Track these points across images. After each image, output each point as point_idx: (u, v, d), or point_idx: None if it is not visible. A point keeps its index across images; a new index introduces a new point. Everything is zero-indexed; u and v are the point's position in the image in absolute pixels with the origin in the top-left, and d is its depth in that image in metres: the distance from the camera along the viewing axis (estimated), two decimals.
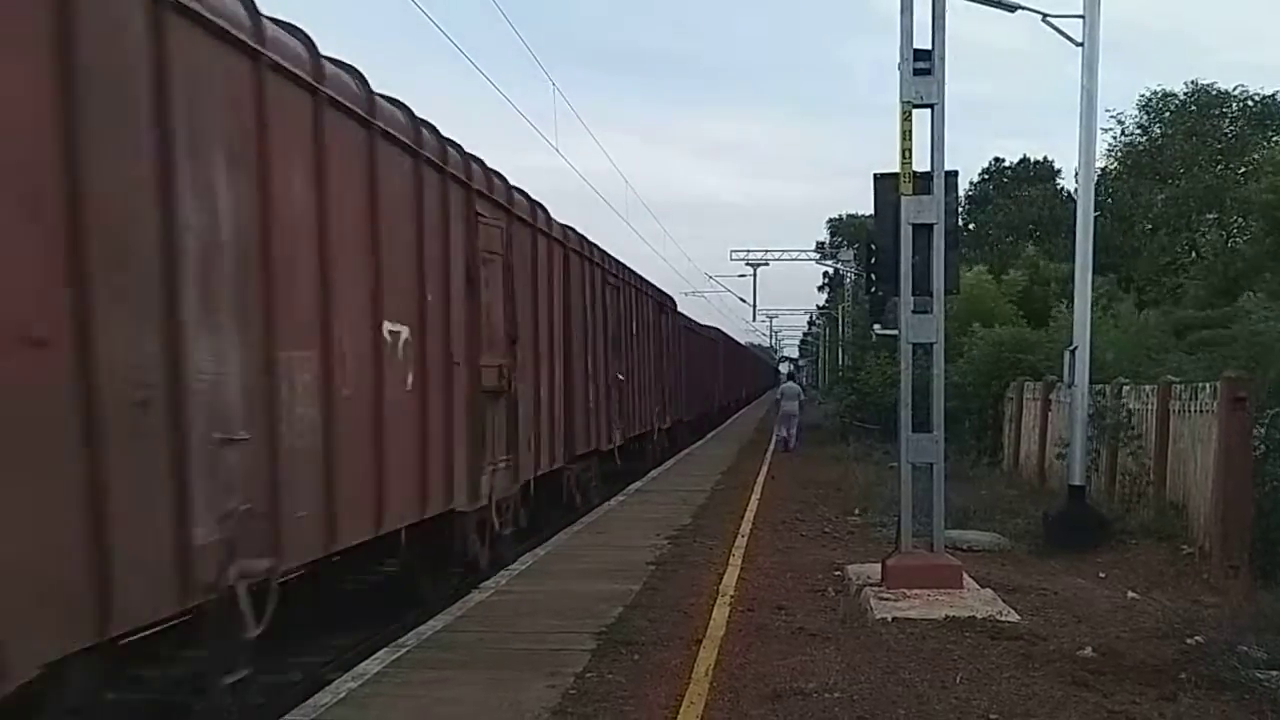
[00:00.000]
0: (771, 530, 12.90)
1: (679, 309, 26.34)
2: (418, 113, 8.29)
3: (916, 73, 8.54)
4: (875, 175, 9.21)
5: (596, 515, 14.48)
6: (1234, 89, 33.02)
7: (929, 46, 8.58)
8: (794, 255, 51.32)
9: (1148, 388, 12.29)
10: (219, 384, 5.39)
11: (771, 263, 49.48)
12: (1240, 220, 30.73)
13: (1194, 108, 33.13)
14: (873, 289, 10.22)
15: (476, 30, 18.83)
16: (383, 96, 7.67)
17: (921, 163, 8.62)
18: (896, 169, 8.65)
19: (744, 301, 57.08)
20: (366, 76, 7.35)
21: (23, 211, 4.17)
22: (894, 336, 9.19)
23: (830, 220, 68.46)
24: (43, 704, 4.48)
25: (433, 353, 8.26)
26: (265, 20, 5.87)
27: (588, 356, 14.71)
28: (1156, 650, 7.01)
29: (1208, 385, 10.40)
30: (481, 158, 9.97)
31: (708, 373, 34.11)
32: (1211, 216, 32.20)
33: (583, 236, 14.44)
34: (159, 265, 4.94)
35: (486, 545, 10.03)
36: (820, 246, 64.26)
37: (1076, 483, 11.45)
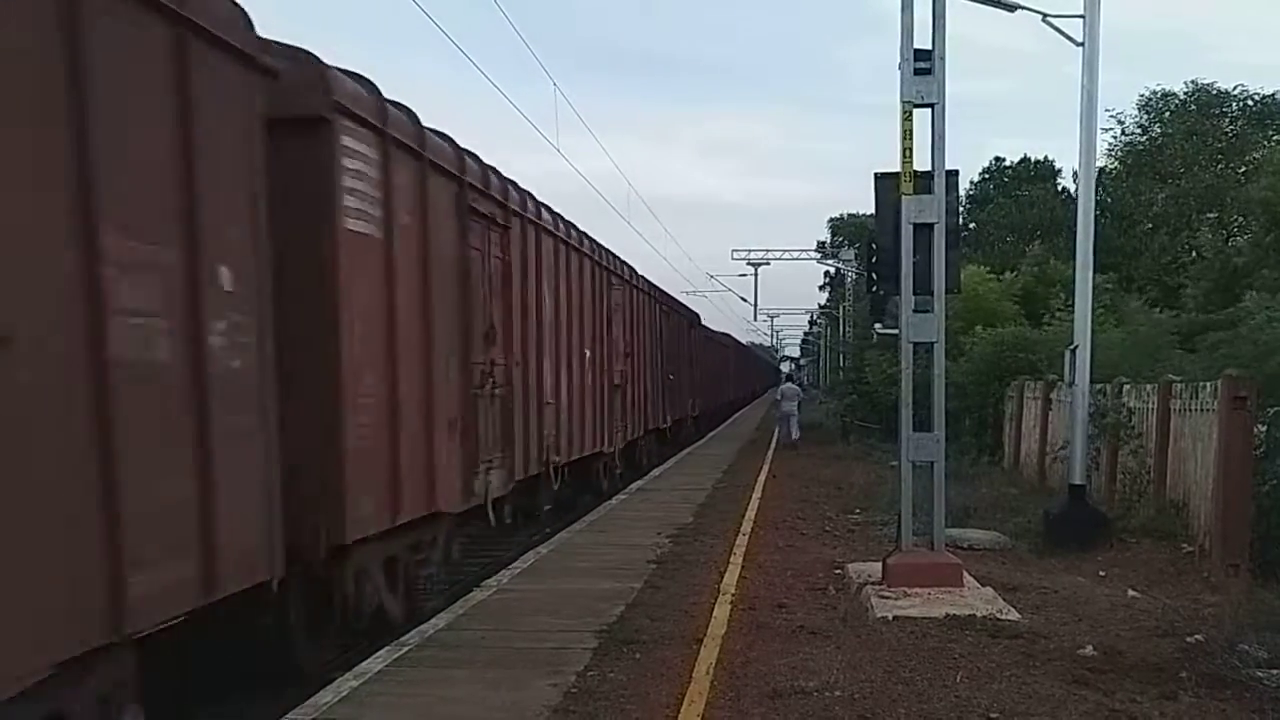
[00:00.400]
0: (772, 529, 12.91)
1: (702, 321, 32.82)
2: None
3: (917, 72, 8.55)
4: (876, 174, 9.23)
5: (598, 514, 14.50)
6: (1234, 88, 33.09)
7: (929, 46, 8.59)
8: (795, 255, 51.17)
9: (1148, 387, 12.31)
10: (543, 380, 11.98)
11: (773, 262, 49.34)
12: (1240, 219, 30.73)
13: (1194, 107, 33.15)
14: (874, 288, 10.24)
15: (477, 30, 18.85)
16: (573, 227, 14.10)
17: (922, 162, 8.64)
18: (897, 168, 8.66)
19: (745, 301, 57.20)
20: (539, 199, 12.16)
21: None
22: (895, 336, 9.20)
23: (831, 219, 68.40)
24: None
25: (600, 363, 15.68)
26: (427, 133, 8.38)
27: (653, 364, 21.22)
28: (1157, 649, 7.02)
29: (1208, 384, 10.40)
30: (604, 243, 16.03)
31: (723, 373, 41.11)
32: (1212, 216, 32.21)
33: (652, 284, 21.64)
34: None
35: (607, 477, 17.07)
36: (821, 246, 64.17)
37: (1077, 481, 11.46)
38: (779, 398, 29.33)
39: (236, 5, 5.62)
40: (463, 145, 9.27)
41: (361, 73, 7.32)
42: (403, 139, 7.76)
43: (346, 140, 6.85)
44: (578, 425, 14.11)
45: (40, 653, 4.09)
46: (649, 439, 21.37)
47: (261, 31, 5.84)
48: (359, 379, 6.96)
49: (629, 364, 18.08)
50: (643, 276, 20.04)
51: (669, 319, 23.86)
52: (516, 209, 10.80)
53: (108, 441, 4.41)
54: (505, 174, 10.59)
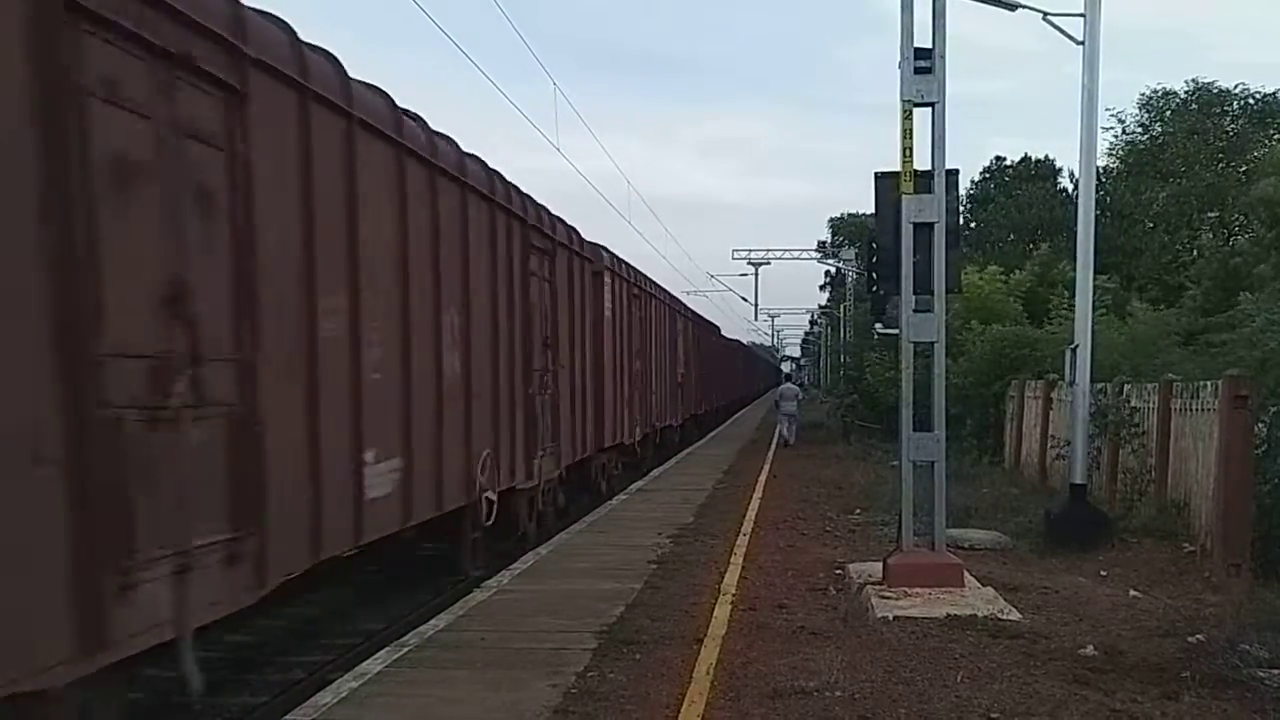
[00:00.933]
0: (773, 529, 12.90)
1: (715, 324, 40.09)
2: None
3: (917, 71, 8.54)
4: (876, 174, 9.22)
5: (598, 515, 14.49)
6: (1235, 87, 33.01)
7: (929, 45, 8.58)
8: (795, 254, 51.22)
9: (1149, 386, 12.30)
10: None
11: (773, 262, 49.42)
12: (1241, 218, 30.70)
13: (1195, 106, 33.09)
14: (874, 288, 10.23)
15: (478, 30, 18.85)
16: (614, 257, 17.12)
17: (922, 161, 8.63)
18: (898, 168, 8.65)
19: (746, 301, 57.22)
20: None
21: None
22: (895, 335, 9.19)
23: (832, 219, 68.43)
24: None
25: (651, 365, 20.51)
26: (498, 178, 10.74)
27: (687, 366, 27.63)
28: (1158, 648, 7.01)
29: (1209, 384, 10.40)
30: (636, 267, 19.25)
31: (733, 373, 48.23)
32: (1213, 215, 32.17)
33: (683, 303, 28.28)
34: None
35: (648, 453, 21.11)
36: (822, 245, 64.21)
37: (1078, 481, 11.45)
38: (779, 398, 30.00)
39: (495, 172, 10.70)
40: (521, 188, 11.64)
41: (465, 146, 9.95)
42: (510, 208, 11.05)
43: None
44: (624, 413, 17.99)
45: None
46: (683, 425, 27.94)
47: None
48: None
49: (668, 367, 23.89)
50: (675, 297, 26.47)
51: (693, 327, 29.77)
52: (563, 241, 13.35)
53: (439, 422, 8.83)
54: (537, 200, 12.60)
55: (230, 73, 5.63)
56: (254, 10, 6.08)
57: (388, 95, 8.03)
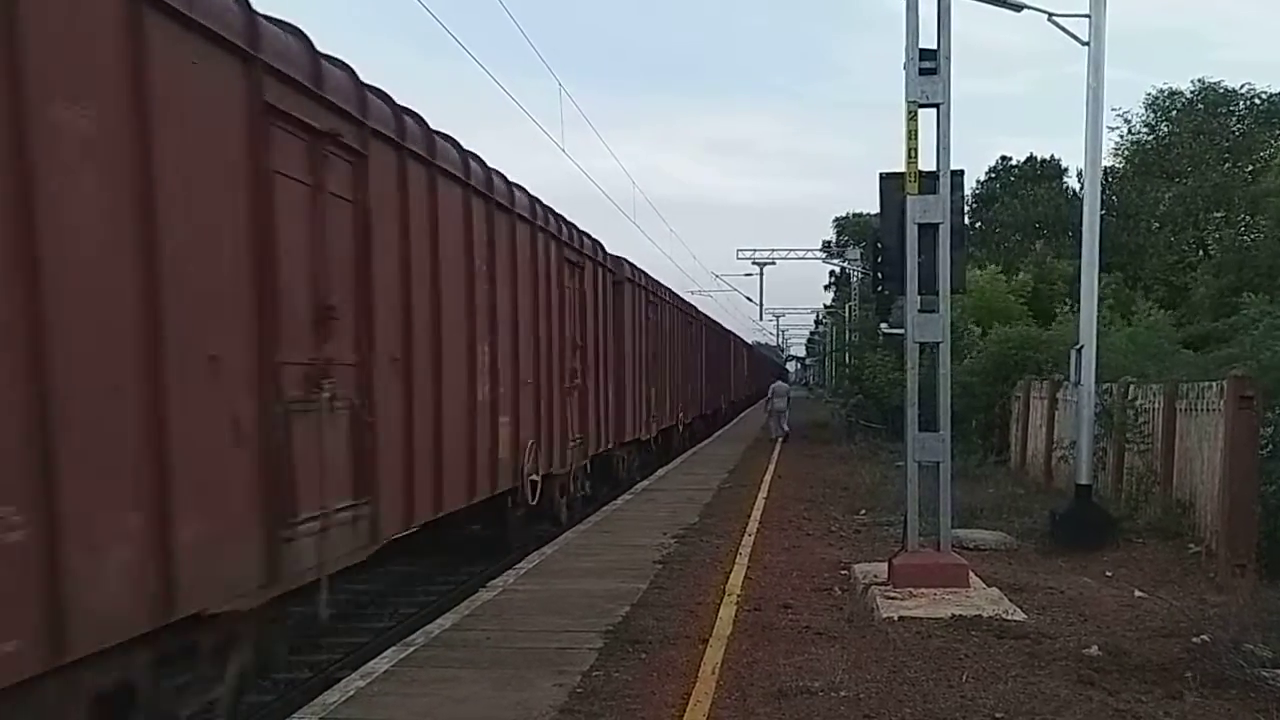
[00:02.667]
0: (778, 529, 12.91)
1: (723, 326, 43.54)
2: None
3: (922, 72, 8.55)
4: (881, 175, 9.22)
5: (602, 515, 14.52)
6: (1241, 87, 32.95)
7: (934, 46, 8.59)
8: (800, 254, 51.13)
9: (1154, 386, 12.29)
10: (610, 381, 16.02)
11: (778, 262, 49.30)
12: (1248, 218, 30.65)
13: (1201, 106, 33.02)
14: (879, 288, 10.24)
15: (482, 31, 18.88)
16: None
17: (927, 162, 8.64)
18: (903, 168, 8.66)
19: (751, 301, 57.06)
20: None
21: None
22: (901, 335, 9.20)
23: (837, 219, 68.34)
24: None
25: (665, 366, 21.98)
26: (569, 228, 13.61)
27: (708, 368, 32.01)
28: (1162, 649, 7.02)
29: (1214, 384, 10.39)
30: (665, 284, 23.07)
31: (745, 372, 52.94)
32: (1219, 215, 32.10)
33: (694, 307, 30.38)
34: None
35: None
36: (827, 245, 64.10)
37: (1083, 481, 11.44)
38: (771, 395, 31.73)
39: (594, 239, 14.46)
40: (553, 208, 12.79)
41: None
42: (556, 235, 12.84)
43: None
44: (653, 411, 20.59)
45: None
46: (692, 423, 29.02)
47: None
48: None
49: (680, 368, 25.19)
50: (688, 302, 29.54)
51: (713, 334, 35.58)
52: (589, 255, 14.85)
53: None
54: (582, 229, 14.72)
55: (358, 142, 7.26)
56: (370, 87, 7.59)
57: (457, 142, 9.53)
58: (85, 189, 4.52)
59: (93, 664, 4.56)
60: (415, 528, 8.53)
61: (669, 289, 23.77)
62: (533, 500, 11.61)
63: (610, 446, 16.60)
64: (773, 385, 33.31)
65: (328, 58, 6.95)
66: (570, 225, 13.77)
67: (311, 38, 6.69)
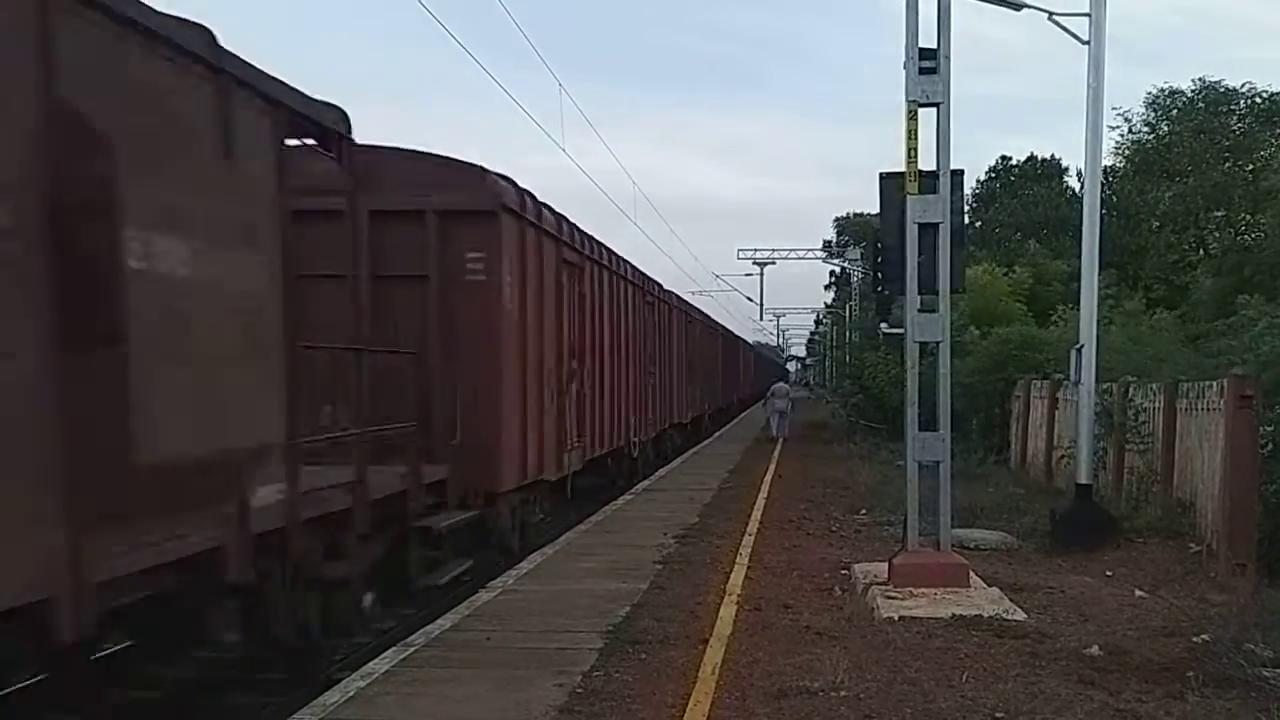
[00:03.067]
0: (778, 529, 12.91)
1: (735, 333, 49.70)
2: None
3: (922, 71, 8.55)
4: (881, 174, 9.22)
5: (604, 515, 14.52)
6: (1242, 86, 32.86)
7: (934, 45, 8.59)
8: (801, 254, 51.20)
9: (1154, 386, 12.28)
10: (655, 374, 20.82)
11: (779, 262, 49.39)
12: (1248, 217, 30.61)
13: (1202, 105, 32.97)
14: (879, 288, 10.23)
15: (482, 29, 18.90)
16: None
17: (928, 161, 8.64)
18: (903, 168, 8.66)
19: (751, 301, 57.07)
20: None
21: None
22: (901, 335, 9.20)
23: (837, 219, 68.48)
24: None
25: (705, 373, 30.02)
26: (630, 267, 18.39)
27: (724, 369, 37.43)
28: (1163, 648, 7.02)
29: (1214, 383, 10.38)
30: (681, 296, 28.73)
31: (751, 373, 57.34)
32: (1219, 214, 32.08)
33: (723, 325, 39.79)
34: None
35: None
36: (827, 245, 64.20)
37: (1083, 481, 11.44)
38: (770, 395, 32.72)
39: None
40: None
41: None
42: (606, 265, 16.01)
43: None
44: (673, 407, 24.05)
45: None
46: (719, 410, 36.71)
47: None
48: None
49: (700, 370, 29.19)
50: (713, 320, 37.25)
51: (726, 341, 40.83)
52: (634, 281, 18.43)
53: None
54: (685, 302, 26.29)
55: (580, 264, 13.72)
56: (582, 231, 14.03)
57: (565, 217, 13.06)
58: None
59: (534, 487, 11.48)
60: (595, 456, 14.78)
61: (700, 309, 31.16)
62: (635, 456, 18.34)
63: (665, 427, 22.70)
64: (773, 386, 34.11)
65: (571, 223, 13.21)
66: (652, 280, 20.60)
67: (572, 221, 13.30)
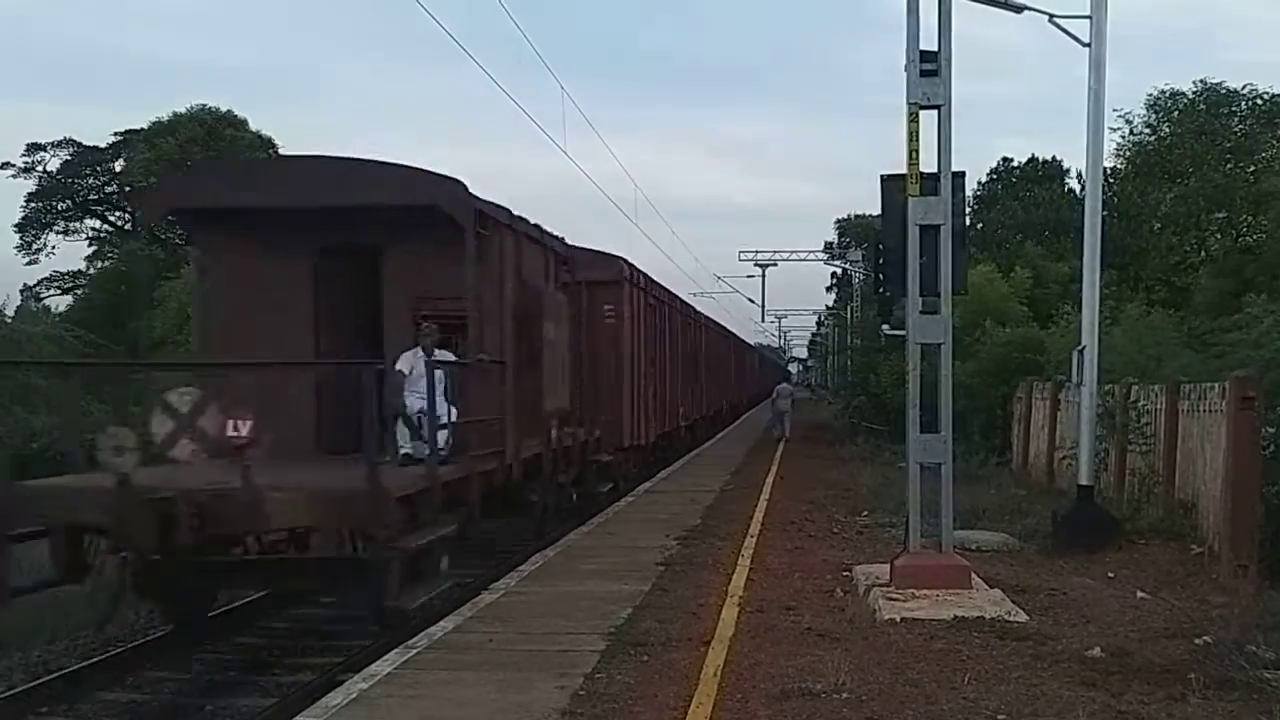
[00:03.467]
0: (780, 531, 12.91)
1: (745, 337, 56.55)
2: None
3: (923, 74, 8.55)
4: (882, 176, 9.22)
5: (605, 516, 14.52)
6: (1243, 88, 32.80)
7: (935, 48, 8.59)
8: (802, 256, 51.20)
9: (1156, 387, 12.28)
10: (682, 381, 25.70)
11: (780, 263, 49.42)
12: (1249, 219, 30.57)
13: (1203, 107, 32.91)
14: (881, 289, 10.23)
15: (483, 31, 18.93)
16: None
17: (929, 164, 8.63)
18: (904, 170, 8.66)
19: (752, 302, 57.08)
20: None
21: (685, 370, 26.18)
22: (903, 337, 9.20)
23: (838, 220, 68.32)
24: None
25: (724, 375, 37.15)
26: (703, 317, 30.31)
27: (736, 372, 44.13)
28: (1165, 650, 7.02)
29: (1216, 385, 10.38)
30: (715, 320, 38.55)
31: (757, 374, 61.93)
32: (1220, 216, 32.05)
33: (735, 333, 46.78)
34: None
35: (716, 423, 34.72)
36: (829, 247, 64.15)
37: (1085, 482, 11.44)
38: (774, 396, 35.03)
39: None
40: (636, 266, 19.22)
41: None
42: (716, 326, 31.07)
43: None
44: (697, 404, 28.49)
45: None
46: (731, 406, 41.73)
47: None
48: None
49: (719, 373, 35.27)
50: (732, 332, 45.23)
51: (739, 347, 47.53)
52: (678, 308, 24.65)
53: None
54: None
55: (664, 305, 21.83)
56: (658, 284, 21.49)
57: (653, 279, 20.19)
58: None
59: (633, 449, 17.79)
60: (662, 432, 20.63)
61: (719, 323, 38.43)
62: (683, 435, 24.64)
63: (697, 417, 27.82)
64: (777, 386, 36.11)
65: (655, 280, 20.06)
66: (690, 306, 28.23)
67: (655, 280, 20.87)
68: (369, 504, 7.62)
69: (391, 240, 10.60)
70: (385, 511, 7.62)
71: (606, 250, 16.81)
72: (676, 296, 24.39)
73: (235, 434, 8.01)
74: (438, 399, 9.11)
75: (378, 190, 9.94)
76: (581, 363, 14.06)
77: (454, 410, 9.57)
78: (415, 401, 9.40)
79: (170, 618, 9.53)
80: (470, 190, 10.12)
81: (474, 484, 9.63)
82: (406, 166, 10.27)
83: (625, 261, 17.23)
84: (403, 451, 9.43)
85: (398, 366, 9.45)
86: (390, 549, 7.61)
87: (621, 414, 16.67)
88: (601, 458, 15.46)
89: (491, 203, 10.62)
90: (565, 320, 12.64)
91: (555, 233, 12.83)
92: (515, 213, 11.33)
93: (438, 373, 9.32)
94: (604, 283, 16.03)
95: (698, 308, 31.16)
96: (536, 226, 12.11)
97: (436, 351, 9.81)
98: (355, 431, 8.67)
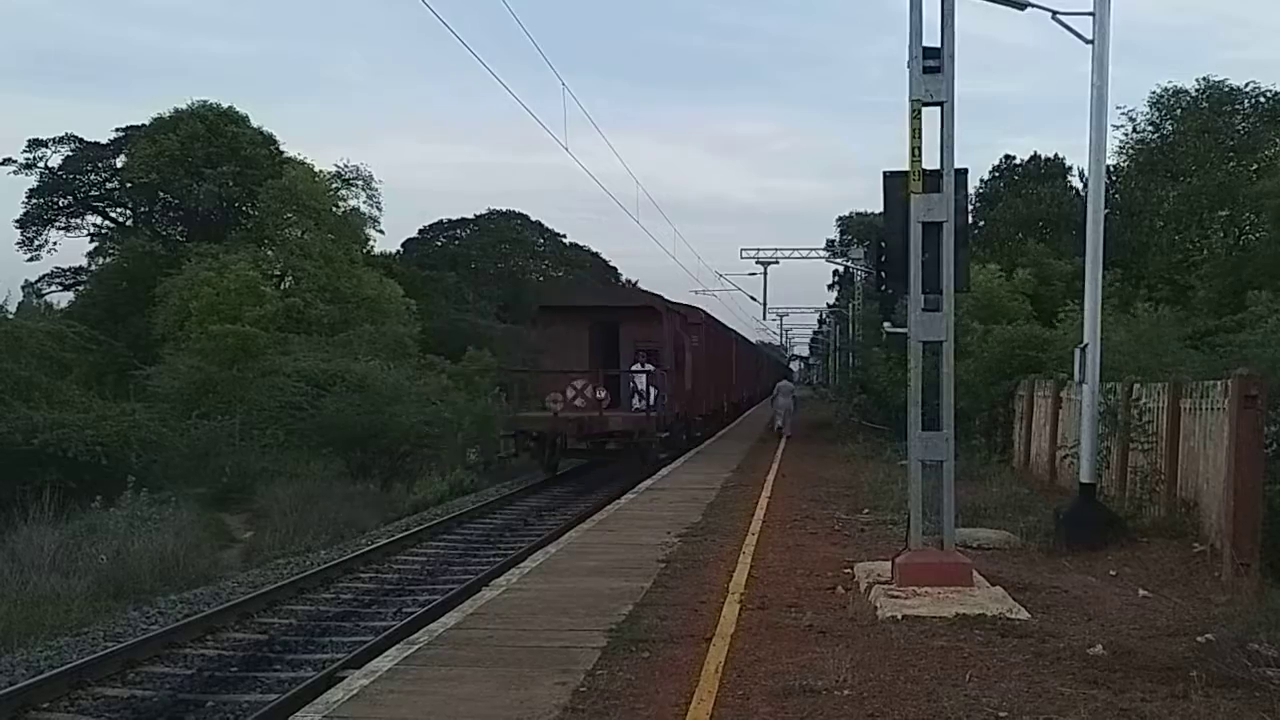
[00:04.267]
0: (782, 528, 12.91)
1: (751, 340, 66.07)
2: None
3: (926, 70, 8.53)
4: (885, 173, 9.21)
5: (607, 513, 14.52)
6: (1246, 85, 32.79)
7: (938, 45, 8.57)
8: (804, 253, 51.18)
9: (1159, 385, 12.26)
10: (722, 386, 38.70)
11: (782, 261, 49.37)
12: (1252, 217, 30.55)
13: (1206, 104, 32.90)
14: (883, 287, 10.22)
15: (488, 32, 18.94)
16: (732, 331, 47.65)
17: (931, 161, 8.62)
18: (907, 167, 8.65)
19: (754, 300, 57.11)
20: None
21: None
22: (904, 334, 9.18)
23: (841, 218, 68.32)
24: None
25: (742, 376, 47.19)
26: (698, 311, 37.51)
27: (748, 371, 51.88)
28: (1167, 648, 7.00)
29: (1219, 383, 10.36)
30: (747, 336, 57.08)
31: (764, 373, 66.14)
32: (1223, 214, 32.03)
33: (747, 339, 59.44)
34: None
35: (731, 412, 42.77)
36: (831, 245, 64.17)
37: (1087, 480, 11.43)
38: (776, 394, 36.32)
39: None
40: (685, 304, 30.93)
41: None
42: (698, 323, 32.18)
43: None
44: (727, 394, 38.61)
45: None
46: (747, 399, 49.42)
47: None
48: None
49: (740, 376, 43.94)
50: (752, 342, 60.95)
51: (749, 353, 54.62)
52: (734, 338, 42.63)
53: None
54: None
55: (726, 338, 38.16)
56: (720, 323, 37.79)
57: (715, 317, 37.04)
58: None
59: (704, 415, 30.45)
60: (713, 408, 31.94)
61: (738, 333, 47.09)
62: (725, 411, 35.43)
63: (725, 404, 36.44)
64: (778, 384, 37.60)
65: (716, 319, 35.66)
66: (722, 324, 37.36)
67: (715, 317, 37.89)
68: (644, 423, 21.69)
69: (625, 318, 24.06)
70: (649, 426, 21.68)
71: (694, 305, 30.63)
72: (718, 321, 35.90)
73: (596, 395, 22.37)
74: (644, 386, 22.37)
75: (623, 298, 32.15)
76: (688, 368, 25.47)
77: (653, 390, 22.48)
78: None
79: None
80: (663, 297, 25.72)
81: (665, 420, 22.91)
82: (637, 289, 37.50)
83: (702, 311, 30.50)
84: (634, 406, 22.47)
85: (633, 369, 22.87)
86: (648, 439, 21.51)
87: (701, 395, 28.64)
88: (694, 418, 28.17)
89: (665, 299, 25.18)
90: (686, 347, 25.14)
91: (686, 303, 28.91)
92: (673, 300, 26.26)
93: (643, 375, 22.57)
94: (693, 323, 27.78)
95: (726, 323, 41.31)
96: (682, 304, 27.26)
97: (645, 366, 22.58)
98: (617, 396, 23.04)
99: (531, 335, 26.03)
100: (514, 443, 22.01)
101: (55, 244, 46.09)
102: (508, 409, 24.18)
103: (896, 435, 20.84)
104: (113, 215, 46.90)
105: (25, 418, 19.53)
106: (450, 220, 72.55)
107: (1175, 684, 6.16)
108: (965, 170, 8.95)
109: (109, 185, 45.84)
